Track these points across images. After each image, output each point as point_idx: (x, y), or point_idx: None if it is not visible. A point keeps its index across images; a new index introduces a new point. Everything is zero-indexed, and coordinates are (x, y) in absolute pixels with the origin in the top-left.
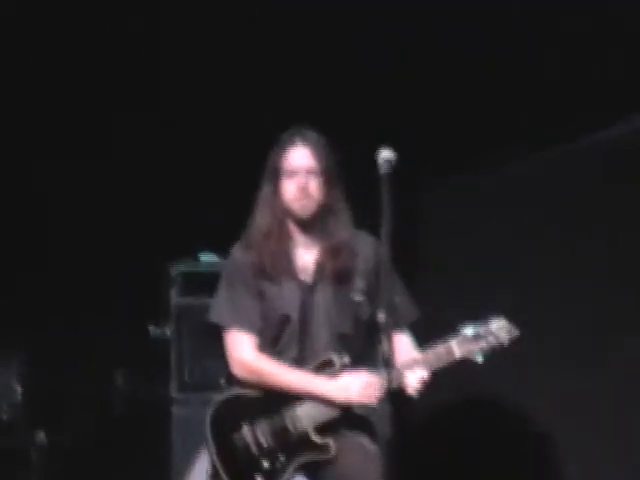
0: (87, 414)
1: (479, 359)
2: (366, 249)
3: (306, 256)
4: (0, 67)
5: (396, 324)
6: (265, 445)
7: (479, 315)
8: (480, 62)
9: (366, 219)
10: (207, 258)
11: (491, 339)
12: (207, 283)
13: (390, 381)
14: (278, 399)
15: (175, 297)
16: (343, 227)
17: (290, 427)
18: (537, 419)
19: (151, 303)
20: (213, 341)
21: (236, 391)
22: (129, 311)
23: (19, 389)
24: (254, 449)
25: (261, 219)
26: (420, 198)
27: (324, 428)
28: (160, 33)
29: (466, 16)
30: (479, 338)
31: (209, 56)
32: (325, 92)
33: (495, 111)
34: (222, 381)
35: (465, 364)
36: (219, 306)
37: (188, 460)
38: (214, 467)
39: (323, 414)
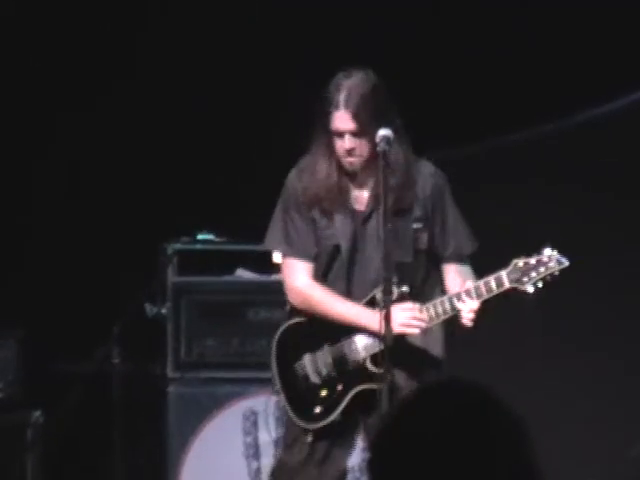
0: (83, 393)
1: (529, 289)
2: (425, 178)
3: (361, 187)
4: None
5: (453, 255)
6: (324, 374)
7: None
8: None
9: None
10: (204, 236)
11: (541, 269)
12: (204, 261)
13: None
14: (338, 328)
15: (172, 276)
16: (399, 161)
17: (348, 356)
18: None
19: (147, 281)
20: (210, 320)
21: (298, 319)
22: (126, 289)
23: (16, 368)
24: (313, 378)
25: (317, 153)
26: None
27: (380, 358)
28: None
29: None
30: (529, 268)
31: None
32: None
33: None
34: (286, 307)
35: (516, 295)
36: (273, 233)
37: (184, 439)
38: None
39: (378, 344)
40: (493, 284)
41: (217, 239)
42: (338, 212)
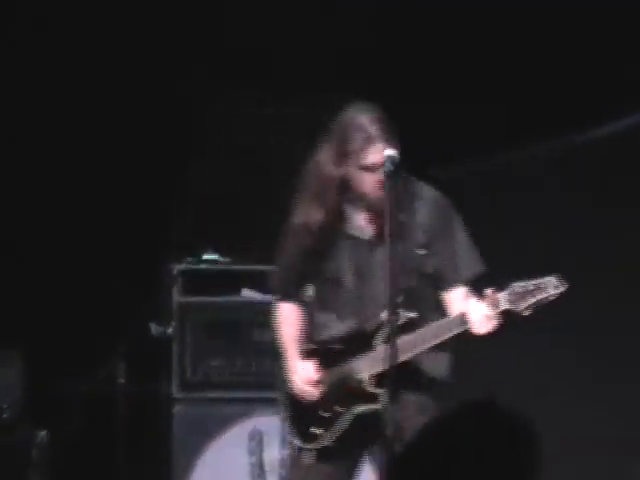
0: (89, 413)
1: (525, 313)
2: (426, 203)
3: (363, 215)
4: None
5: (457, 278)
6: (325, 395)
7: None
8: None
9: None
10: (209, 257)
11: (538, 295)
12: (209, 281)
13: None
14: (343, 355)
15: (177, 295)
16: (402, 188)
17: (348, 379)
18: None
19: (151, 300)
20: (215, 340)
21: (310, 345)
22: (131, 309)
23: (20, 388)
24: (317, 402)
25: (316, 203)
26: None
27: (380, 380)
28: None
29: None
30: (527, 292)
31: None
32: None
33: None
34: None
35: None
36: (273, 274)
37: (189, 459)
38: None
39: (378, 365)
40: (490, 306)
41: (222, 259)
42: (340, 240)
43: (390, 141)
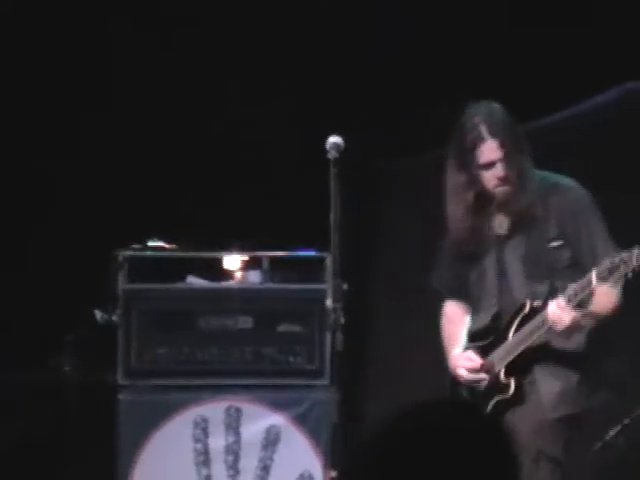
0: (33, 401)
1: (616, 286)
2: (561, 195)
3: (497, 220)
4: None
5: (594, 264)
6: (475, 391)
7: None
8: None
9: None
10: (154, 243)
11: (622, 267)
12: (154, 269)
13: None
14: (488, 349)
15: (122, 282)
16: (530, 195)
17: (489, 371)
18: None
19: (99, 288)
20: (161, 327)
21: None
22: (76, 296)
23: None
24: (466, 393)
25: (455, 208)
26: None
27: (512, 368)
28: None
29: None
30: (614, 267)
31: None
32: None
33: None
34: None
35: None
36: (435, 269)
37: (135, 446)
38: None
39: (509, 353)
40: (585, 285)
41: (168, 246)
42: (480, 241)
43: (499, 137)
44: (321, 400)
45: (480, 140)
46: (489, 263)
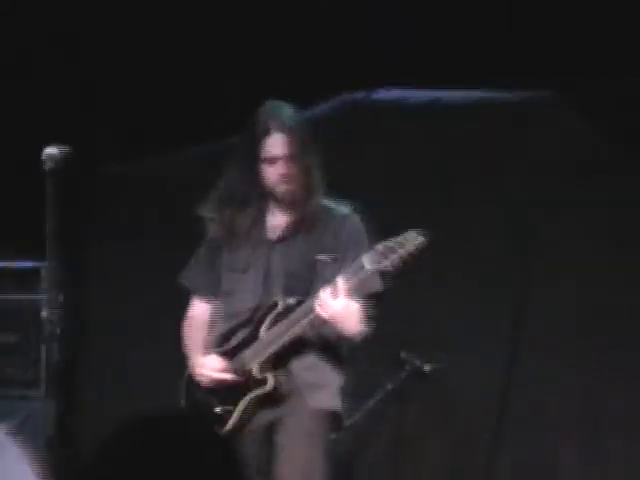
0: None
1: (389, 268)
2: (339, 218)
3: (277, 219)
4: None
5: (355, 294)
6: (219, 392)
7: None
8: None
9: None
10: None
11: (399, 250)
12: None
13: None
14: (237, 350)
15: None
16: (315, 200)
17: (239, 372)
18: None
19: None
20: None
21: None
22: None
23: None
24: (213, 400)
25: (235, 188)
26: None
27: (267, 365)
28: None
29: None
30: (389, 250)
31: None
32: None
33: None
34: None
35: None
36: (187, 268)
37: None
38: None
39: (264, 350)
40: (357, 270)
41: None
42: (250, 242)
43: (286, 134)
44: (36, 411)
45: (267, 133)
46: (255, 264)
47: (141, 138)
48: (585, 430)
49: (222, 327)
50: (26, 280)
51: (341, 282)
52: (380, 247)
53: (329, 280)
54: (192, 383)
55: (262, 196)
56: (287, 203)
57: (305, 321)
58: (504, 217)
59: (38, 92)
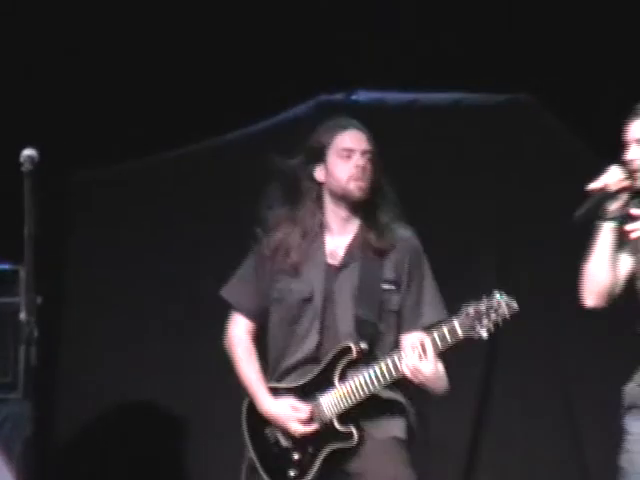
0: None
1: (483, 335)
2: (403, 238)
3: (338, 240)
4: None
5: (417, 320)
6: (294, 437)
7: None
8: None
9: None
10: None
11: (493, 315)
12: None
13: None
14: (305, 390)
15: None
16: (385, 214)
17: (316, 419)
18: (178, 417)
19: None
20: None
21: (269, 384)
22: None
23: None
24: (284, 442)
25: (301, 207)
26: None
27: (347, 416)
28: None
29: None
30: (480, 315)
31: None
32: None
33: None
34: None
35: (472, 341)
36: (231, 281)
37: None
38: (251, 463)
39: (343, 402)
40: (447, 334)
41: None
42: (309, 265)
43: (365, 132)
44: (14, 414)
45: (342, 128)
46: (316, 288)
47: (115, 142)
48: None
49: (278, 354)
50: (3, 282)
51: (430, 345)
52: (471, 311)
53: (394, 310)
54: (256, 415)
55: (322, 216)
56: (356, 206)
57: (389, 380)
58: (481, 222)
59: (12, 95)
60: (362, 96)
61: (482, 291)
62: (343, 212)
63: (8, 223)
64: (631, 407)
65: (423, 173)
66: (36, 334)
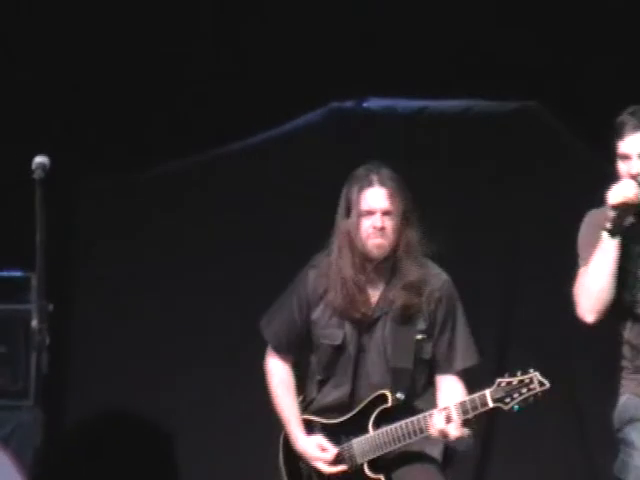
0: None
1: (515, 409)
2: (433, 288)
3: (371, 290)
4: None
5: (450, 366)
6: (325, 476)
7: None
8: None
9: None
10: None
11: (524, 390)
12: None
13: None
14: (339, 429)
15: None
16: (414, 267)
17: (347, 460)
18: (190, 424)
19: None
20: None
21: (304, 416)
22: None
23: None
24: (315, 478)
25: (339, 255)
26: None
27: (377, 463)
28: None
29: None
30: (512, 389)
31: None
32: None
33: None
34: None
35: (503, 413)
36: (269, 314)
37: None
38: None
39: (376, 450)
40: (478, 403)
41: None
42: (344, 314)
43: (387, 188)
44: (25, 421)
45: (367, 185)
46: (350, 337)
47: (126, 150)
48: None
49: (314, 390)
50: (15, 289)
51: (458, 416)
52: (504, 384)
53: (426, 359)
54: (292, 449)
55: (358, 267)
56: (380, 262)
57: (416, 439)
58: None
59: (24, 102)
60: (373, 103)
61: (482, 291)
62: (371, 266)
63: (19, 230)
64: (632, 420)
65: (434, 180)
66: (47, 342)
